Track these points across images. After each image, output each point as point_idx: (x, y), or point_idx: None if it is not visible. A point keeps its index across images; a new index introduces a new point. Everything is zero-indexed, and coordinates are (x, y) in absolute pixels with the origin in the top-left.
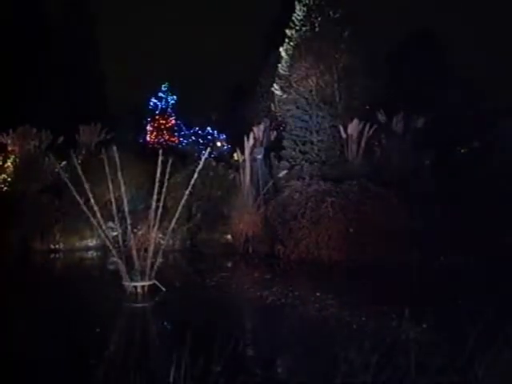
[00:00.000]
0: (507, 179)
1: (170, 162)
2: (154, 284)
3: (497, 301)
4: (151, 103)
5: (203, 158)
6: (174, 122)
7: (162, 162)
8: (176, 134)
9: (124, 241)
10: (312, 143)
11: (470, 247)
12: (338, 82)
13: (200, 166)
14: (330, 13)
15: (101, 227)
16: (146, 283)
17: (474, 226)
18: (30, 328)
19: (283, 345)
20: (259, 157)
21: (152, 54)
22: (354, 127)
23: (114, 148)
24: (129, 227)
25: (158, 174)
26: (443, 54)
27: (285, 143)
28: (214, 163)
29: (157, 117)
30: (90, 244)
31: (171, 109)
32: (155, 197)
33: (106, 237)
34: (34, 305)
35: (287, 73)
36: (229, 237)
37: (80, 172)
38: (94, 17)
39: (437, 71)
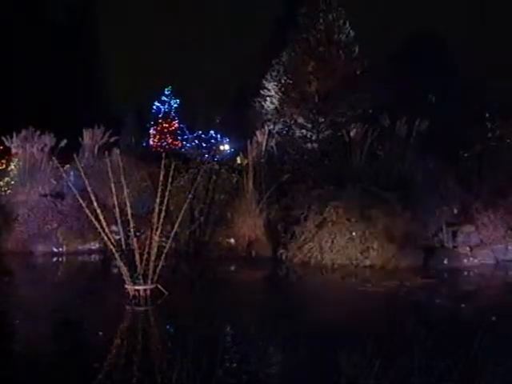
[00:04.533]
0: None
1: (173, 165)
2: (157, 287)
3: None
4: (154, 107)
5: (206, 162)
6: (177, 125)
7: (165, 165)
8: (179, 137)
9: (127, 244)
10: (315, 147)
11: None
12: (340, 85)
13: (203, 170)
14: (333, 16)
15: (103, 230)
16: (149, 287)
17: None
18: (32, 329)
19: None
20: (262, 160)
21: (155, 57)
22: (357, 131)
23: (117, 151)
24: (132, 231)
25: (161, 178)
26: (446, 55)
27: (288, 147)
28: (216, 167)
29: (160, 120)
30: (93, 247)
31: (174, 112)
32: (158, 200)
33: (109, 240)
34: (36, 306)
35: (290, 77)
36: (232, 240)
37: (83, 175)
38: (96, 19)
39: (439, 72)
